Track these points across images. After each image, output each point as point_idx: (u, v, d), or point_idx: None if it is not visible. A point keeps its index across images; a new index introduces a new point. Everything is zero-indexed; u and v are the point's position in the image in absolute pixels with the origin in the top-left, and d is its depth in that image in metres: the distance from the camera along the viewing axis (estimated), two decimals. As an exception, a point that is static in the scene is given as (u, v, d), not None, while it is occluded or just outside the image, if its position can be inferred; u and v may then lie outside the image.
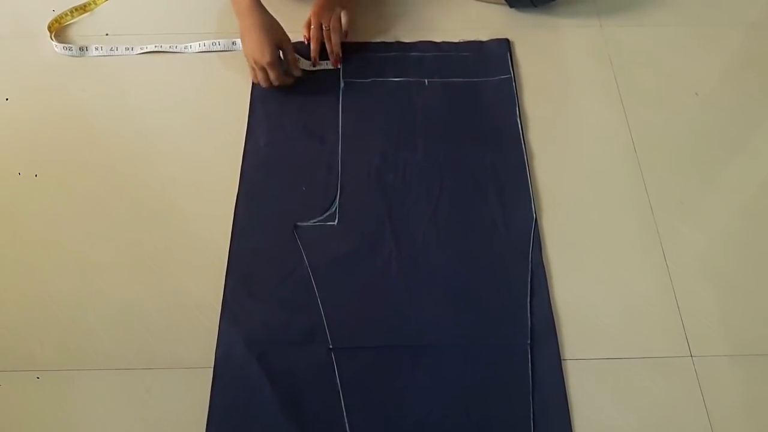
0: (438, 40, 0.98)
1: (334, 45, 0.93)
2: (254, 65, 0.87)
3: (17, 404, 0.69)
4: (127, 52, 0.97)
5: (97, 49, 0.97)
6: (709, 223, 0.82)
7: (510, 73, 0.94)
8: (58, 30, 1.00)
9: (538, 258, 0.78)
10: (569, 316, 0.74)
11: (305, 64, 0.93)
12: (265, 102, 0.91)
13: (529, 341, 0.72)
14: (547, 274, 0.77)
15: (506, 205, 0.82)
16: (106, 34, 1.00)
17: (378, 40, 0.98)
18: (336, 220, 0.81)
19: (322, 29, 0.93)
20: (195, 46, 0.97)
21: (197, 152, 0.88)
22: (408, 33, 1.00)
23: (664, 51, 0.99)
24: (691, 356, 0.72)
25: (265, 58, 0.85)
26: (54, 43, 0.97)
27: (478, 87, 0.93)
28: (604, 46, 0.99)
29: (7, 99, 0.92)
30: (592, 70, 0.97)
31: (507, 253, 0.78)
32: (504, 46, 0.98)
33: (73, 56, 0.97)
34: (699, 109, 0.93)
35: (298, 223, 0.80)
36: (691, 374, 0.71)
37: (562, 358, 0.72)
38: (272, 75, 0.87)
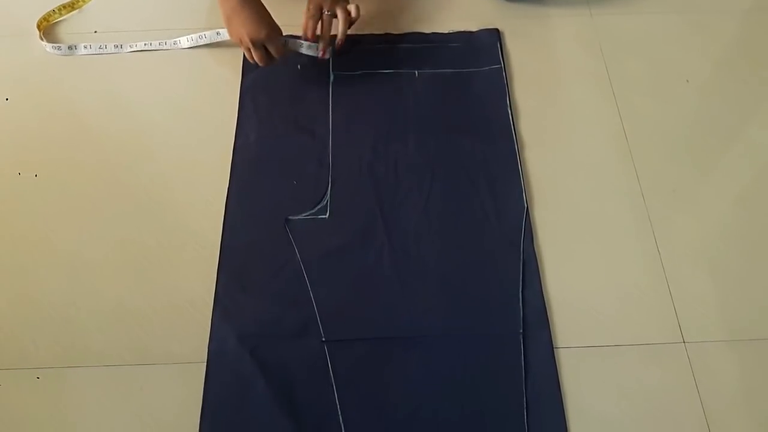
0: (427, 31, 0.98)
1: (341, 32, 0.91)
2: (249, 44, 0.84)
3: (11, 403, 0.69)
4: (117, 50, 0.96)
5: (86, 47, 0.96)
6: (702, 210, 0.82)
7: (500, 63, 0.94)
8: (47, 28, 1.00)
9: (529, 248, 0.78)
10: (562, 305, 0.75)
11: (304, 47, 0.90)
12: (254, 97, 0.91)
13: (521, 331, 0.72)
14: (539, 263, 0.77)
15: (497, 196, 0.82)
16: (95, 32, 1.00)
17: (367, 32, 0.98)
18: (327, 214, 0.81)
19: (321, 13, 0.90)
20: (184, 41, 0.96)
21: (188, 148, 0.87)
22: (397, 24, 0.99)
23: (655, 39, 0.99)
24: (684, 343, 0.72)
25: (261, 33, 0.83)
26: (44, 42, 0.97)
27: (469, 78, 0.93)
28: (594, 35, 0.99)
29: (7, 99, 0.92)
30: (583, 59, 0.96)
31: (498, 244, 0.78)
32: (494, 36, 0.97)
33: (63, 55, 0.96)
34: (691, 97, 0.93)
35: (290, 217, 0.80)
36: (684, 360, 0.71)
37: (554, 346, 0.72)
38: (272, 50, 0.85)
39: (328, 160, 0.85)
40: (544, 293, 0.75)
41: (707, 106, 0.92)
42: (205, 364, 0.71)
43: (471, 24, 0.99)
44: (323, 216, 0.81)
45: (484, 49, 0.96)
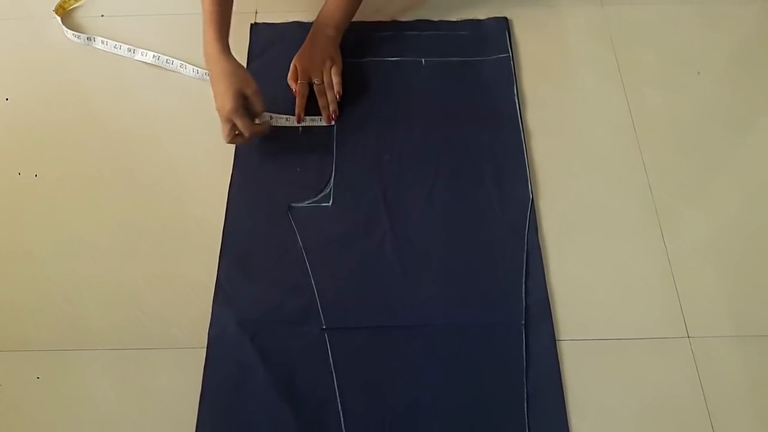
0: (435, 18, 0.97)
1: (331, 102, 0.86)
2: (221, 118, 0.79)
3: (11, 384, 0.70)
4: (129, 54, 0.93)
5: (103, 42, 0.95)
6: (710, 204, 0.81)
7: (508, 52, 0.93)
8: (64, 14, 0.99)
9: (533, 239, 0.77)
10: (565, 297, 0.74)
11: (291, 121, 0.86)
12: (258, 83, 0.89)
13: (523, 321, 0.71)
14: (543, 254, 0.76)
15: (502, 186, 0.81)
16: (102, 15, 0.99)
17: (374, 19, 0.97)
18: (330, 201, 0.80)
19: (310, 84, 0.86)
20: (189, 71, 0.92)
21: (191, 134, 0.87)
22: (404, 12, 0.98)
23: (665, 29, 0.97)
24: (689, 337, 0.72)
25: (226, 107, 0.77)
26: (64, 28, 0.96)
27: (476, 66, 0.92)
28: (604, 24, 0.97)
29: (7, 99, 0.91)
30: (593, 49, 0.95)
31: (502, 234, 0.77)
32: (502, 25, 0.96)
33: (80, 43, 0.95)
34: (701, 89, 0.92)
35: (293, 204, 0.80)
36: (688, 355, 0.70)
37: (557, 338, 0.71)
38: (239, 124, 0.78)
39: (332, 147, 0.84)
40: (547, 285, 0.74)
41: (718, 99, 0.90)
42: (205, 349, 0.70)
43: (479, 12, 0.98)
44: (326, 204, 0.80)
45: (492, 38, 0.95)
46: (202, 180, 0.83)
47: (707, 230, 0.79)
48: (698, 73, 0.93)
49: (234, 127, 0.78)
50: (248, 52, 0.94)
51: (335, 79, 0.87)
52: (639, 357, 0.70)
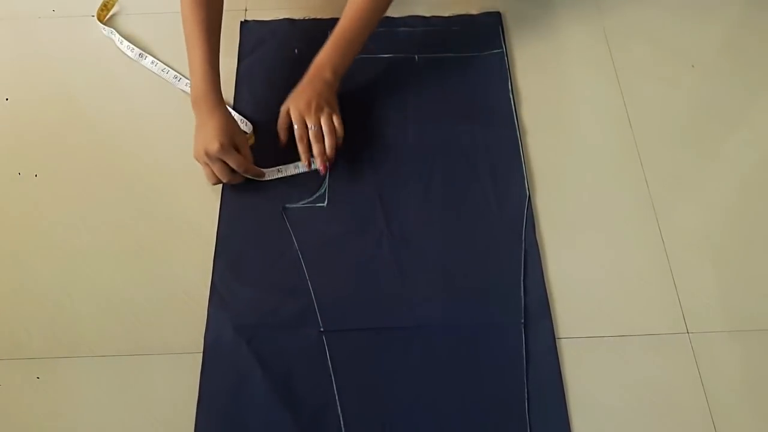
0: (427, 14, 0.96)
1: (329, 148, 0.78)
2: (206, 159, 0.75)
3: (4, 392, 0.68)
4: (164, 74, 0.90)
5: (153, 63, 0.90)
6: (706, 198, 0.81)
7: (502, 48, 0.92)
8: (105, 18, 0.96)
9: (531, 236, 0.76)
10: (564, 295, 0.73)
11: (289, 170, 0.81)
12: (251, 84, 0.89)
13: (522, 320, 0.71)
14: (540, 252, 0.76)
15: (499, 183, 0.80)
16: (92, 16, 0.97)
17: (366, 15, 0.95)
18: (326, 201, 0.79)
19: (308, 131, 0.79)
20: (183, 84, 0.89)
21: (184, 136, 0.85)
22: (396, 7, 0.96)
23: (660, 22, 0.97)
24: (688, 333, 0.71)
25: (214, 146, 0.73)
26: (117, 38, 0.92)
27: (470, 62, 0.91)
28: (598, 18, 0.97)
29: (7, 99, 0.90)
30: (587, 43, 0.94)
31: (500, 232, 0.77)
32: (495, 20, 0.95)
33: (129, 58, 0.92)
34: (696, 82, 0.91)
35: (287, 205, 0.79)
36: (688, 351, 0.70)
37: (556, 336, 0.71)
38: (232, 161, 0.75)
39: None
40: (545, 282, 0.74)
41: (713, 92, 0.90)
42: (202, 354, 0.69)
43: (472, 7, 0.97)
44: (321, 204, 0.79)
45: (485, 33, 0.94)
46: (195, 182, 0.81)
47: (704, 225, 0.79)
48: (692, 66, 0.92)
49: (224, 166, 0.75)
50: (238, 50, 0.92)
51: (338, 126, 0.79)
52: (639, 353, 0.70)
